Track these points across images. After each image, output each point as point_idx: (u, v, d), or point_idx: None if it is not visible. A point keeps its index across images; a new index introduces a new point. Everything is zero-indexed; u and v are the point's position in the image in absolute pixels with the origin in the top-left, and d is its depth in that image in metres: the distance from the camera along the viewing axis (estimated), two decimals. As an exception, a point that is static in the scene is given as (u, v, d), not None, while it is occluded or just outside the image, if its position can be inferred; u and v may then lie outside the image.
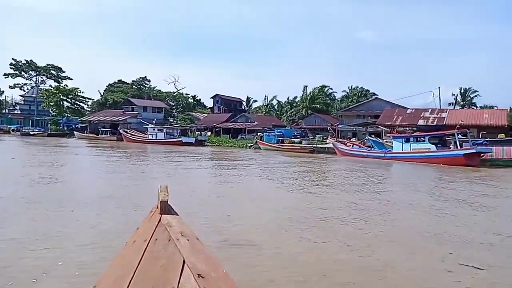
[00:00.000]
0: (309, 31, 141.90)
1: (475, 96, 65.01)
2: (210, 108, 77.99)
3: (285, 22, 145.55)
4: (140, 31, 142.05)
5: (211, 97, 74.07)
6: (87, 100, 72.71)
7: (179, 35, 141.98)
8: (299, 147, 40.07)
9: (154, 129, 48.46)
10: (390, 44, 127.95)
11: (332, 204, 10.39)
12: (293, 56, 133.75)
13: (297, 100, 70.11)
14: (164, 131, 47.95)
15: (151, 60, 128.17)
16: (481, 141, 29.13)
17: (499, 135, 30.95)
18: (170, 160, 24.94)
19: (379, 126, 39.78)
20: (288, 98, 72.69)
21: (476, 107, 61.55)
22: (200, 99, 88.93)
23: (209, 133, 55.11)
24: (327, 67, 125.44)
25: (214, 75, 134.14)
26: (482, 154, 26.86)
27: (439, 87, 50.32)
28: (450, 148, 28.73)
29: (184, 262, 1.57)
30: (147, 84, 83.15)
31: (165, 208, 2.01)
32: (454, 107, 57.46)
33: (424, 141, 29.01)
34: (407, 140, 29.92)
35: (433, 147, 28.38)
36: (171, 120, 61.80)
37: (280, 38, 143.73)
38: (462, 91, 65.79)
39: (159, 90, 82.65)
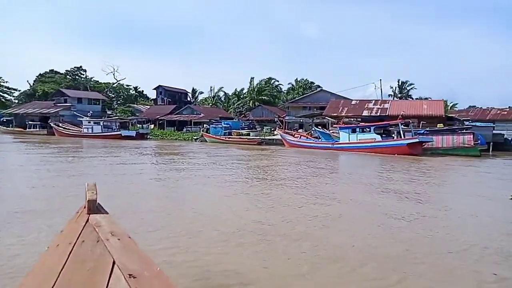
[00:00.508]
0: (254, 23, 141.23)
1: (411, 88, 68.65)
2: (153, 100, 74.39)
3: (232, 14, 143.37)
4: (75, 18, 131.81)
5: (154, 88, 70.52)
6: (12, 91, 65.58)
7: (119, 23, 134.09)
8: (247, 139, 39.02)
9: (89, 122, 44.53)
10: (332, 39, 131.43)
11: (293, 211, 9.28)
12: (240, 48, 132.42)
13: (244, 92, 69.10)
14: (101, 124, 44.29)
15: (88, 50, 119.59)
16: (422, 131, 30.07)
17: (438, 125, 32.16)
18: (107, 156, 22.53)
19: (326, 117, 39.91)
20: (235, 90, 71.43)
21: (412, 98, 64.79)
22: (142, 91, 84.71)
23: (152, 126, 52.17)
24: (273, 60, 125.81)
25: (158, 66, 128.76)
26: (423, 144, 27.65)
27: (380, 80, 51.89)
28: (394, 138, 29.31)
29: (114, 263, 1.49)
30: (83, 74, 77.09)
31: (94, 207, 1.87)
32: (393, 99, 59.74)
33: (369, 131, 29.30)
34: (354, 131, 30.06)
35: (378, 137, 28.75)
36: (109, 113, 57.59)
37: (226, 30, 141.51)
38: (400, 83, 69.06)
39: (97, 81, 77.10)
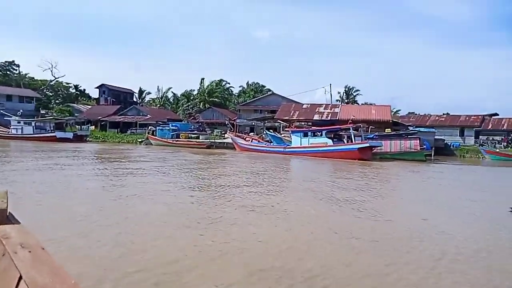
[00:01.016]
0: (206, 24, 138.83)
1: (357, 94, 70.89)
2: (95, 99, 69.81)
3: (182, 14, 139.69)
4: (7, 8, 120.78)
5: (96, 87, 66.08)
6: None
7: (59, 17, 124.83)
8: (196, 143, 37.26)
9: (19, 122, 40.11)
10: (283, 44, 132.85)
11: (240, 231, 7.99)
12: (190, 49, 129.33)
13: (194, 93, 67.02)
14: (33, 124, 40.02)
15: (22, 43, 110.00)
16: (371, 136, 30.29)
17: (385, 130, 32.74)
18: (34, 161, 19.76)
19: (278, 121, 39.33)
20: (185, 91, 69.02)
21: (358, 104, 66.79)
22: (84, 90, 79.37)
23: (92, 127, 48.42)
24: (224, 62, 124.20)
25: (102, 64, 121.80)
26: (373, 148, 27.76)
27: (330, 84, 52.96)
28: (344, 142, 29.25)
29: (20, 277, 1.35)
30: (16, 70, 70.43)
31: (3, 218, 1.72)
32: (341, 104, 61.04)
33: (321, 135, 28.97)
34: (305, 135, 29.59)
35: (330, 142, 28.47)
36: (43, 112, 52.68)
37: (176, 30, 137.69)
38: (347, 89, 71.06)
39: (33, 78, 70.88)
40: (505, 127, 46.51)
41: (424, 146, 28.94)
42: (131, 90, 71.17)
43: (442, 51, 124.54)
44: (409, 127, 39.53)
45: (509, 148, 40.57)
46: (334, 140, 29.15)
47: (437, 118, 52.80)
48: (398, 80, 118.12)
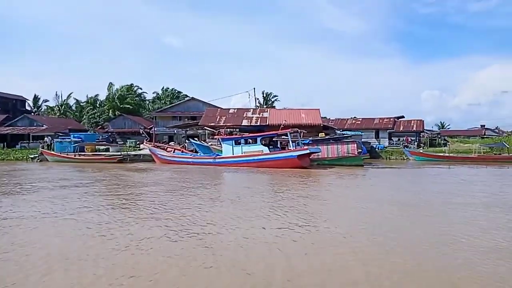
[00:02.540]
0: (111, 29, 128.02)
1: (276, 100, 70.14)
2: (-26, 108, 57.76)
3: (81, 14, 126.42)
4: None
5: (-25, 94, 54.56)
6: None
7: None
8: (105, 157, 31.25)
9: None
10: (198, 51, 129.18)
11: None
12: (93, 53, 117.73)
13: (101, 99, 59.31)
14: None
15: None
16: (307, 141, 28.05)
17: (320, 134, 30.86)
18: None
19: (205, 127, 35.28)
20: (87, 97, 60.75)
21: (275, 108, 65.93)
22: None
23: (-33, 143, 38.89)
24: (133, 68, 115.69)
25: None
26: (310, 154, 25.40)
27: (254, 88, 50.46)
28: (279, 149, 26.58)
29: None
30: None
31: None
32: (268, 108, 59.23)
33: (256, 142, 25.83)
34: (237, 143, 26.18)
35: (265, 149, 25.45)
36: None
37: (77, 33, 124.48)
38: (265, 95, 69.92)
39: None
40: (414, 128, 48.88)
41: (361, 150, 27.53)
42: (22, 97, 60.55)
43: (345, 61, 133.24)
44: (336, 131, 38.71)
45: (423, 147, 42.40)
46: (270, 147, 26.25)
47: (353, 121, 53.73)
48: (306, 88, 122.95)
